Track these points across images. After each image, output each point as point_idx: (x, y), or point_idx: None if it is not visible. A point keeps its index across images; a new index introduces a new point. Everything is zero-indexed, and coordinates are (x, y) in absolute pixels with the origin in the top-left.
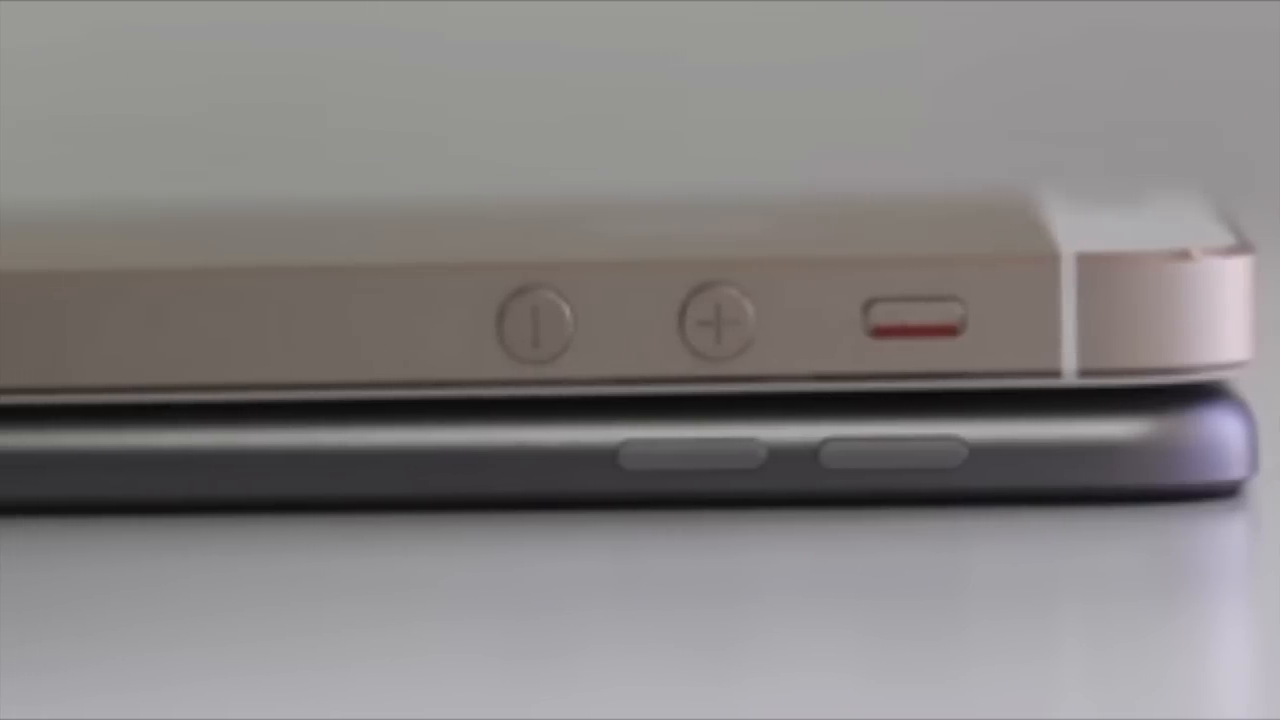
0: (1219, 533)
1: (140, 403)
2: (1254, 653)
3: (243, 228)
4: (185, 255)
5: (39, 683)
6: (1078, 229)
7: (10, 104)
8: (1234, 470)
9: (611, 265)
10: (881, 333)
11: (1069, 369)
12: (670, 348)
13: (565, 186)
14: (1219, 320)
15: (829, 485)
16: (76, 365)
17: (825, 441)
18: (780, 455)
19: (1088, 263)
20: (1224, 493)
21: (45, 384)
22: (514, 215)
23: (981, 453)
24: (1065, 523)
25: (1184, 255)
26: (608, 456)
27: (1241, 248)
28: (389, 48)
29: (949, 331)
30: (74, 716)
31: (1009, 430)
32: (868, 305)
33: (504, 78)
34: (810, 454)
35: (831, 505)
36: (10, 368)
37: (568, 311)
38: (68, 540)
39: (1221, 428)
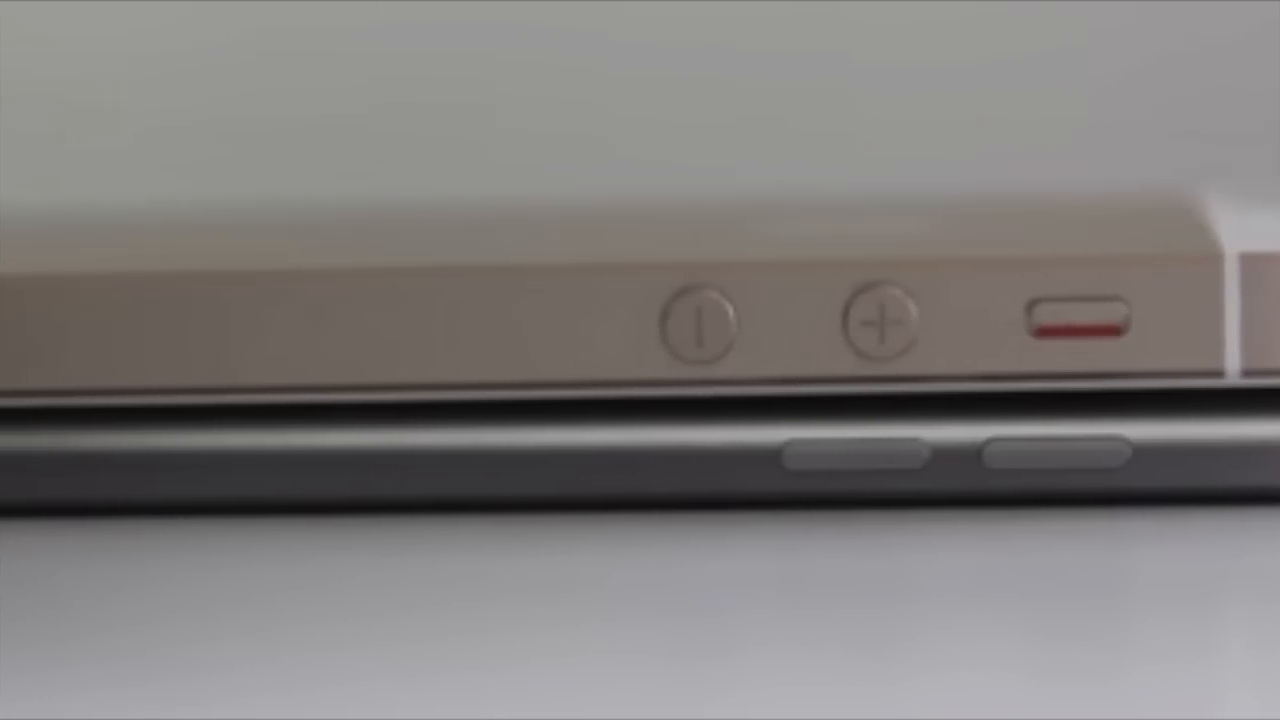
0: None
1: (306, 403)
2: None
3: (408, 228)
4: (350, 256)
5: (208, 682)
6: (1241, 229)
7: (174, 104)
8: None
9: (775, 265)
10: (1045, 333)
11: (1232, 369)
12: (834, 348)
13: (730, 186)
14: None
15: (992, 485)
16: (242, 365)
17: (988, 441)
18: (943, 455)
19: (1251, 262)
20: None
21: (211, 384)
22: (679, 215)
23: (1144, 452)
24: (1228, 522)
25: None
26: (771, 456)
27: None
28: (554, 47)
29: (1112, 331)
30: (242, 716)
31: (1172, 430)
32: (1031, 305)
33: (669, 78)
34: (973, 454)
35: (994, 505)
36: (176, 368)
37: (731, 311)
38: (233, 540)
39: None
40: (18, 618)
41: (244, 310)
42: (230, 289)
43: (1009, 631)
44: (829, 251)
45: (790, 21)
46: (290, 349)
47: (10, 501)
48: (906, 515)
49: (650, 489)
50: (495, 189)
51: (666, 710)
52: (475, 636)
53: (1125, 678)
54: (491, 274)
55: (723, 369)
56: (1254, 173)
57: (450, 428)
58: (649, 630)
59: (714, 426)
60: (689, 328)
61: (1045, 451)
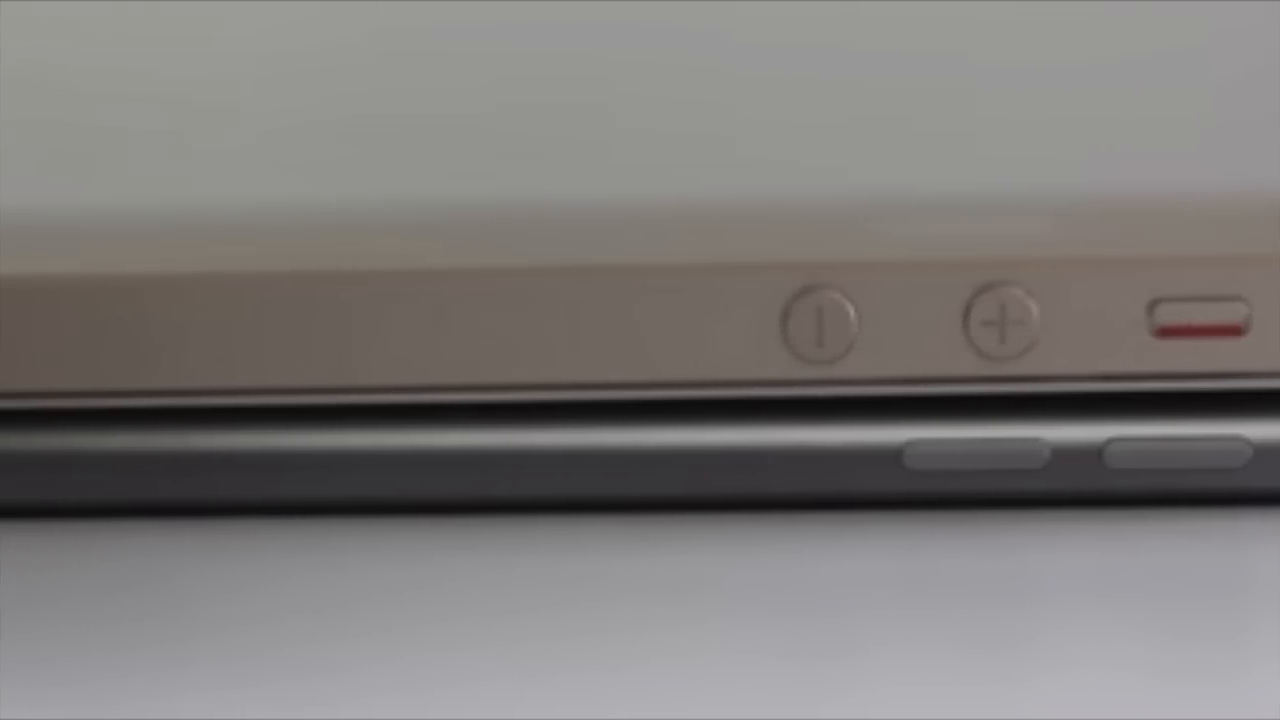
0: None
1: (427, 403)
2: None
3: (529, 228)
4: (472, 256)
5: (329, 683)
6: None
7: (296, 104)
8: None
9: (896, 265)
10: (1166, 333)
11: None
12: (954, 347)
13: (851, 186)
14: None
15: (1113, 485)
16: (363, 365)
17: (1109, 441)
18: (1064, 455)
19: None
20: None
21: (333, 384)
22: (799, 215)
23: (1266, 452)
24: None
25: None
26: (892, 456)
27: None
28: (676, 47)
29: (1233, 331)
30: (364, 717)
31: None
32: (1152, 305)
33: (792, 77)
34: (1094, 454)
35: (1115, 505)
36: (298, 368)
37: (852, 311)
38: (354, 540)
39: None
40: (138, 618)
41: (366, 310)
42: (352, 289)
43: (1129, 632)
44: (950, 251)
45: (912, 20)
46: (412, 349)
47: (132, 501)
48: (1027, 515)
49: (770, 489)
50: (617, 189)
51: (786, 710)
52: (597, 636)
53: (1245, 678)
54: (613, 274)
55: (843, 369)
56: None
57: (571, 428)
58: (769, 630)
59: (834, 426)
60: (810, 328)
61: (1166, 451)
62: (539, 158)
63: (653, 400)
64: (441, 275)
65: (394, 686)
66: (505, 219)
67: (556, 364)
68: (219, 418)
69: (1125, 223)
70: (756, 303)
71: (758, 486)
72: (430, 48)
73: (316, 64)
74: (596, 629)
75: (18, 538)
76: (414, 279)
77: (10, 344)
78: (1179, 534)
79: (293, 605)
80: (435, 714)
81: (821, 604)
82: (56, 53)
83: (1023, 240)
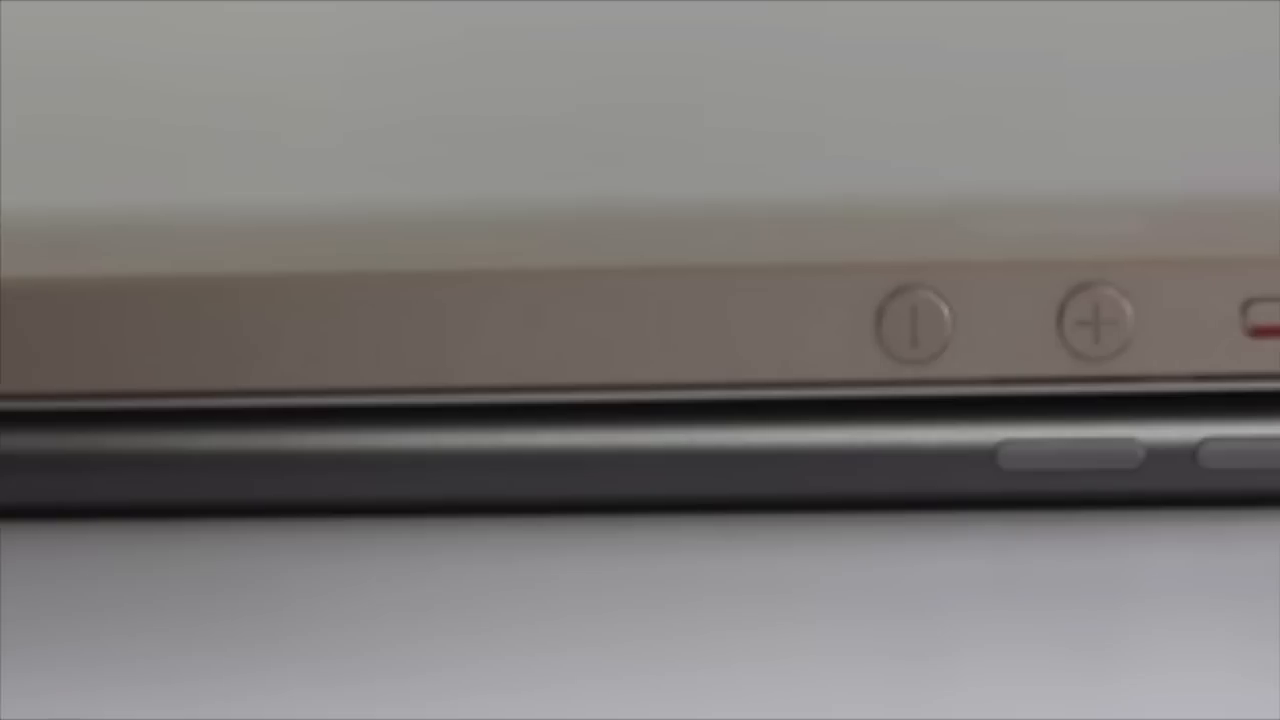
0: None
1: (520, 403)
2: None
3: (621, 228)
4: (564, 256)
5: (423, 683)
6: None
7: (387, 104)
8: None
9: (990, 265)
10: (1259, 333)
11: None
12: (1048, 348)
13: (945, 186)
14: None
15: (1207, 485)
16: (456, 365)
17: (1204, 441)
18: (1158, 455)
19: None
20: None
21: (426, 384)
22: (893, 215)
23: None
24: None
25: None
26: (986, 456)
27: None
28: (766, 46)
29: None
30: (455, 716)
31: None
32: (1246, 305)
33: (883, 76)
34: (1188, 454)
35: (1210, 505)
36: (391, 368)
37: (946, 312)
38: (448, 539)
39: None
40: (234, 617)
41: (459, 310)
42: (445, 289)
43: (1224, 632)
44: (1044, 251)
45: (1007, 20)
46: (504, 349)
47: (227, 501)
48: (1121, 515)
49: (865, 489)
50: (709, 189)
51: (881, 710)
52: (691, 637)
53: None
54: (706, 274)
55: (937, 369)
56: None
57: (664, 428)
58: (864, 631)
59: (928, 427)
60: (904, 327)
61: (1260, 451)
62: (632, 157)
63: (747, 401)
64: (534, 275)
65: (490, 686)
66: (598, 219)
67: (650, 364)
68: (313, 418)
69: (1219, 223)
70: (851, 303)
71: (852, 487)
72: (521, 48)
73: (409, 64)
74: (690, 629)
75: (115, 537)
76: (507, 279)
77: (105, 344)
78: (1275, 534)
79: (389, 605)
80: (531, 714)
81: (916, 604)
82: (150, 54)
83: (1117, 240)
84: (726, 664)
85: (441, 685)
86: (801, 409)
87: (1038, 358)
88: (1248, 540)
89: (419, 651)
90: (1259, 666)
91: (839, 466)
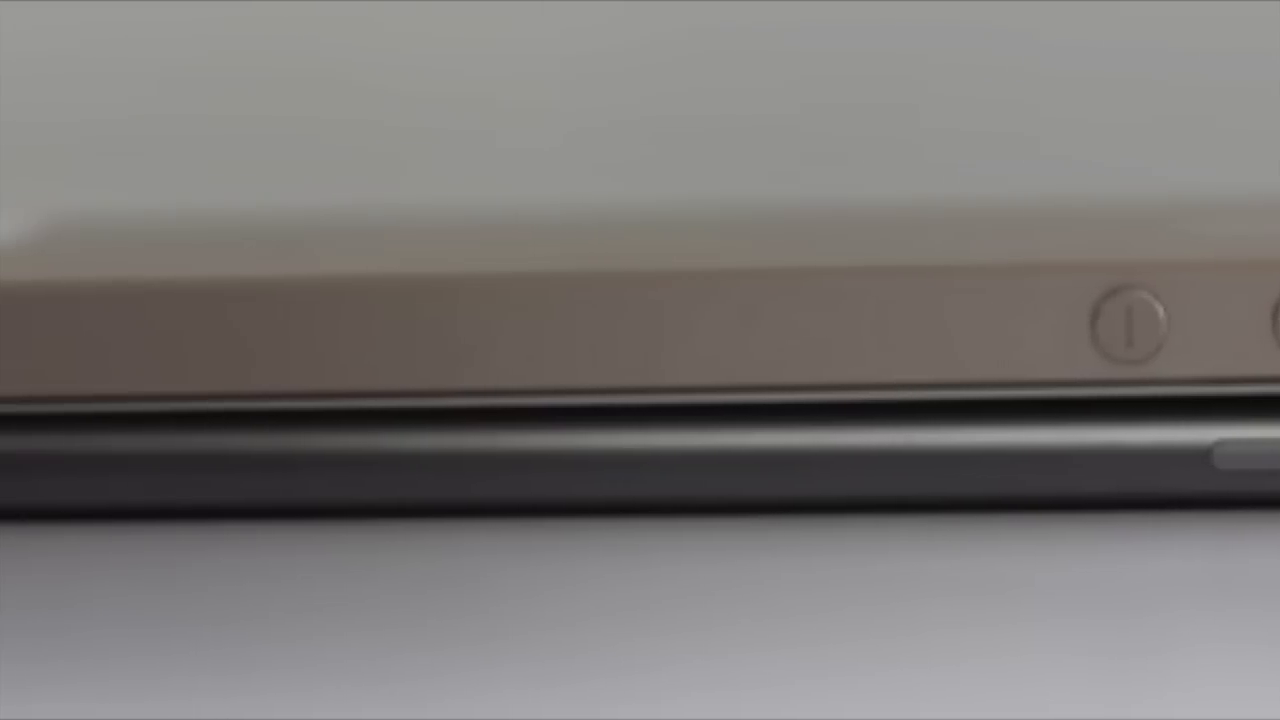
0: None
1: (735, 403)
2: None
3: (836, 228)
4: (781, 255)
5: (644, 682)
6: None
7: (604, 104)
8: None
9: (1205, 265)
10: None
11: None
12: (1264, 347)
13: (1159, 185)
14: None
15: None
16: (673, 365)
17: None
18: None
19: None
20: None
21: (643, 384)
22: (1108, 215)
23: None
24: None
25: None
26: (1201, 456)
27: None
28: (980, 47)
29: None
30: (680, 716)
31: None
32: None
33: (1097, 76)
34: None
35: None
36: (607, 368)
37: (1161, 311)
38: (666, 539)
39: None
40: (450, 617)
41: (676, 310)
42: (662, 288)
43: None
44: (1258, 251)
45: (1220, 20)
46: (720, 349)
47: (444, 501)
48: None
49: (1078, 489)
50: (925, 188)
51: (1096, 710)
52: (907, 637)
53: None
54: (921, 274)
55: (1152, 369)
56: None
57: (879, 428)
58: (1078, 630)
59: (1143, 426)
60: (1119, 328)
61: None
62: (847, 157)
63: (961, 400)
64: (750, 274)
65: (706, 685)
66: (813, 218)
67: (865, 364)
68: (529, 418)
69: None
70: (1066, 303)
71: (1066, 486)
72: (738, 48)
73: (625, 65)
74: (907, 629)
75: (329, 536)
76: (723, 278)
77: (321, 344)
78: None
79: (604, 605)
80: (749, 714)
81: (1130, 604)
82: (367, 54)
83: None
84: (943, 663)
85: (659, 684)
86: (1016, 408)
87: (1253, 357)
88: None
89: (635, 651)
90: None
91: (1053, 466)
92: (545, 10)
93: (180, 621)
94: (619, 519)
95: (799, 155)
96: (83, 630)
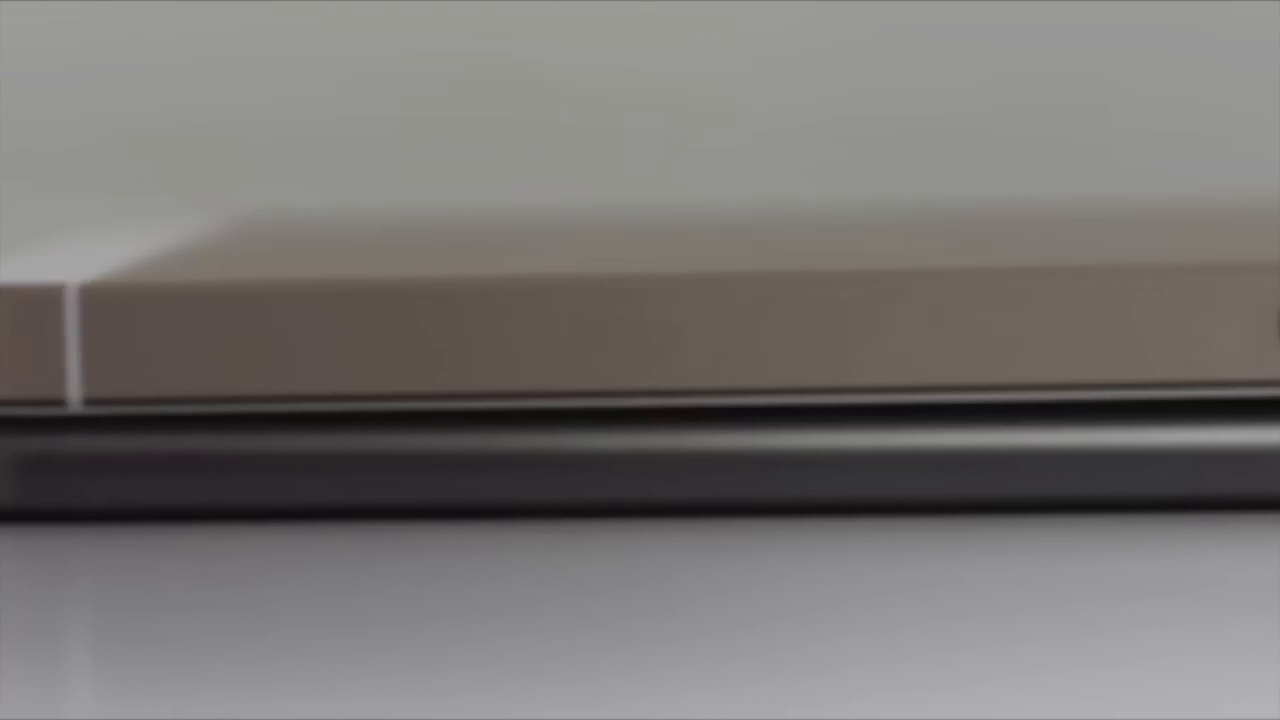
0: None
1: (921, 403)
2: None
3: (1021, 227)
4: (967, 255)
5: (829, 682)
6: None
7: (794, 104)
8: None
9: None
10: None
11: None
12: None
13: None
14: None
15: None
16: (860, 365)
17: None
18: None
19: None
20: None
21: (829, 384)
22: None
23: None
24: None
25: None
26: None
27: None
28: (1167, 47)
29: None
30: (865, 716)
31: None
32: None
33: None
34: None
35: None
36: (794, 369)
37: None
38: (852, 539)
39: None
40: (634, 617)
41: (863, 310)
42: (850, 288)
43: None
44: None
45: None
46: (909, 349)
47: (631, 501)
48: None
49: (1265, 489)
50: (1113, 187)
51: None
52: (1097, 636)
53: None
54: (1108, 274)
55: None
56: None
57: (1066, 427)
58: (1271, 630)
59: None
60: None
61: None
62: (1035, 157)
63: (1146, 400)
64: (938, 275)
65: (894, 686)
66: (1002, 218)
67: (1053, 364)
68: (718, 418)
69: None
70: (1252, 302)
71: (1252, 486)
72: (928, 48)
73: (815, 65)
74: (1096, 628)
75: (515, 536)
76: (911, 278)
77: (510, 344)
78: None
79: (793, 605)
80: (937, 714)
81: None
82: (557, 54)
83: None
84: (1134, 662)
85: (844, 685)
86: (1202, 408)
87: None
88: None
89: (827, 651)
90: None
91: (1239, 466)
92: (736, 10)
93: (367, 622)
94: (808, 519)
95: (988, 155)
96: (271, 632)
